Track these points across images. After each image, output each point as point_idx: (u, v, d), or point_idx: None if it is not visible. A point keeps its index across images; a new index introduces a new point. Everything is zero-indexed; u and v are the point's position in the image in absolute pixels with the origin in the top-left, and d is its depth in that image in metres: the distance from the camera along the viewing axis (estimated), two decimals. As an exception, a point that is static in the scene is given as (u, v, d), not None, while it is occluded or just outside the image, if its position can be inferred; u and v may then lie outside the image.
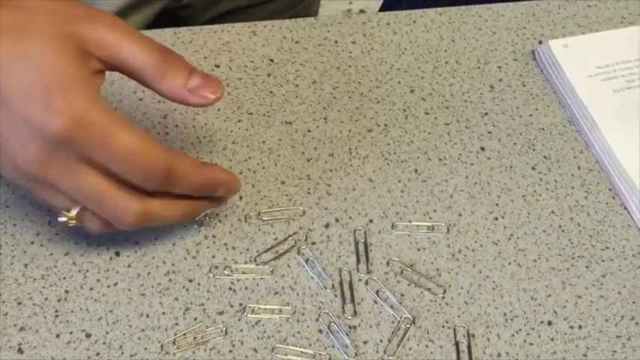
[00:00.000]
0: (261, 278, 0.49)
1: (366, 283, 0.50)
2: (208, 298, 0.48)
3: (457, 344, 0.47)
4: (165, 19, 0.70)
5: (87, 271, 0.49)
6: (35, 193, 0.43)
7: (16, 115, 0.39)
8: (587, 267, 0.51)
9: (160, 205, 0.44)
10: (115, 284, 0.48)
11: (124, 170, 0.41)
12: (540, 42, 0.64)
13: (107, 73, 0.58)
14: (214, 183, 0.46)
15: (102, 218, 0.44)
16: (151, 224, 0.45)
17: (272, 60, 0.60)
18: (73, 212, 0.43)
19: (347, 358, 0.46)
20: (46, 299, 0.47)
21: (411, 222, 0.52)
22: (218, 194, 0.47)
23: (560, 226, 0.53)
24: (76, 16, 0.41)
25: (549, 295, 0.50)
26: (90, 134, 0.39)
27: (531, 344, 0.48)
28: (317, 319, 0.48)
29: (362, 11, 1.67)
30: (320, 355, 0.46)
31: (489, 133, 0.58)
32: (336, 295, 0.49)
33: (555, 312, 0.49)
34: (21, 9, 0.40)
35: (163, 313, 0.47)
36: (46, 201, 0.44)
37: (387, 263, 0.50)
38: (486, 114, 0.59)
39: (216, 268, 0.49)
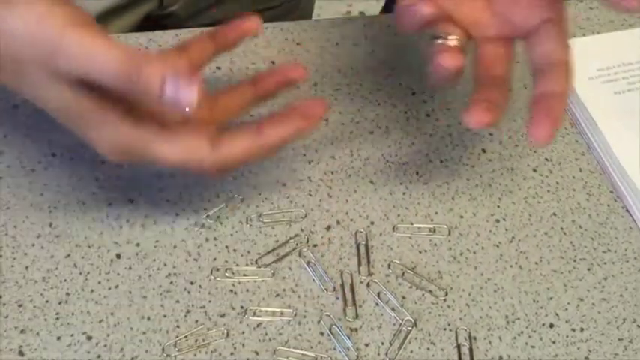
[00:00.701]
0: (263, 280, 0.49)
1: (368, 285, 0.49)
2: (210, 301, 0.48)
3: (459, 347, 0.47)
4: (152, 27, 0.70)
5: (88, 273, 0.48)
6: None
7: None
8: (588, 269, 0.51)
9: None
10: (116, 286, 0.48)
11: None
12: (541, 44, 0.64)
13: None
14: (284, 140, 0.45)
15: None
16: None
17: (273, 62, 0.60)
18: None
19: (348, 360, 0.46)
20: (47, 301, 0.47)
21: (412, 224, 0.52)
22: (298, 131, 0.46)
23: (561, 229, 0.53)
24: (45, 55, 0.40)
25: (551, 298, 0.50)
26: (134, 157, 0.43)
27: (533, 347, 0.48)
28: (318, 322, 0.48)
29: (361, 13, 1.67)
30: (321, 357, 0.46)
31: (491, 135, 0.58)
32: (337, 298, 0.49)
33: (557, 314, 0.49)
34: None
35: (164, 316, 0.47)
36: None
37: (389, 265, 0.50)
38: (488, 116, 0.59)
39: (218, 270, 0.49)
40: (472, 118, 0.45)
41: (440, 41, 0.47)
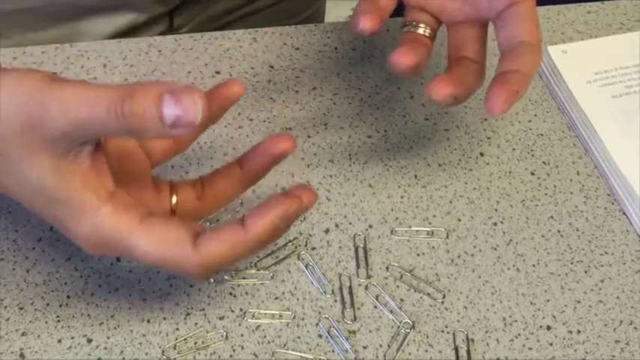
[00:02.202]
0: (262, 283, 0.49)
1: (366, 288, 0.50)
2: (209, 303, 0.48)
3: (456, 349, 0.48)
4: None
5: (88, 276, 0.49)
6: None
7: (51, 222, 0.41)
8: (585, 272, 0.52)
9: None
10: (117, 289, 0.48)
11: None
12: (539, 48, 0.64)
13: (107, 80, 0.58)
14: (271, 229, 0.40)
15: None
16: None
17: (272, 66, 0.61)
18: None
19: (347, 362, 0.47)
20: (47, 304, 0.48)
21: (410, 227, 0.53)
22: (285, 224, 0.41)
23: (559, 231, 0.53)
24: (31, 120, 0.37)
25: (548, 300, 0.50)
26: (111, 250, 0.40)
27: (530, 349, 0.48)
28: (317, 324, 0.48)
29: (363, 17, 1.67)
30: (320, 359, 0.47)
31: (488, 138, 0.58)
32: (335, 300, 0.49)
33: (554, 317, 0.49)
34: None
35: (164, 319, 0.48)
36: None
37: (387, 268, 0.51)
38: (486, 120, 0.59)
39: (217, 273, 0.50)
40: (433, 89, 0.45)
41: (408, 29, 0.49)
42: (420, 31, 0.49)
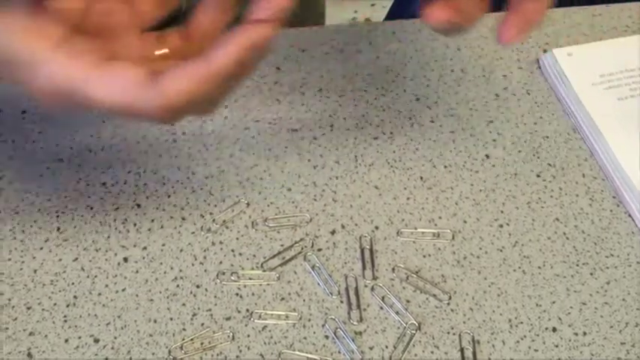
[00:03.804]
0: (268, 284, 0.50)
1: (372, 289, 0.50)
2: (215, 304, 0.48)
3: (462, 350, 0.48)
4: None
5: (95, 276, 0.49)
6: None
7: None
8: (591, 274, 0.52)
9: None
10: (123, 290, 0.49)
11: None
12: (545, 51, 0.64)
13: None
14: (236, 60, 0.37)
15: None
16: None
17: (279, 68, 0.61)
18: None
19: (353, 363, 0.47)
20: (55, 304, 0.48)
21: (416, 229, 0.53)
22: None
23: (564, 234, 0.54)
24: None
25: (554, 302, 0.50)
26: (68, 100, 0.38)
27: (536, 350, 0.48)
28: (323, 325, 0.48)
29: (367, 19, 1.67)
30: (326, 360, 0.47)
31: (494, 140, 0.58)
32: (342, 301, 0.49)
33: (560, 318, 0.50)
34: None
35: (171, 319, 0.48)
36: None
37: (393, 270, 0.51)
38: (491, 122, 0.59)
39: (224, 274, 0.50)
40: (430, 15, 0.42)
41: None
42: None
